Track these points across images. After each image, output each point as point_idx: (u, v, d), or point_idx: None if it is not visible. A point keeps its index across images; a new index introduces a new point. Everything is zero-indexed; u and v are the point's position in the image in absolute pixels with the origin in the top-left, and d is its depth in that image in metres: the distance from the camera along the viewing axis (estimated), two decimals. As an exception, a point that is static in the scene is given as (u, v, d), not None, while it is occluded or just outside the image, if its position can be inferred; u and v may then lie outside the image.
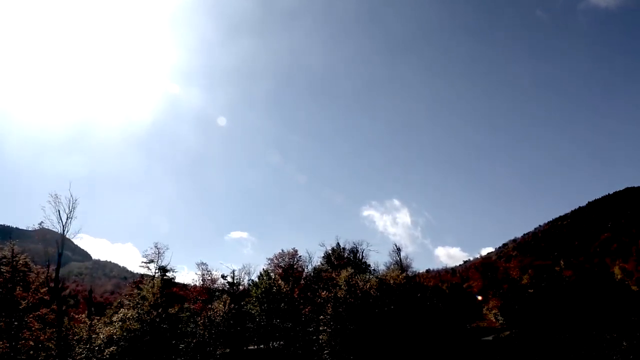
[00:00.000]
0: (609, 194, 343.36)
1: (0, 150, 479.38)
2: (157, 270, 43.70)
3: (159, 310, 34.40)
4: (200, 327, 40.65)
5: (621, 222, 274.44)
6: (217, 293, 45.69)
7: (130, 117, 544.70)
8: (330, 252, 66.12)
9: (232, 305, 44.73)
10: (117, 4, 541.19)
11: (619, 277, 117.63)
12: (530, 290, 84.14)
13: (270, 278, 49.24)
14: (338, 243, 67.06)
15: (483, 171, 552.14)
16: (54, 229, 38.31)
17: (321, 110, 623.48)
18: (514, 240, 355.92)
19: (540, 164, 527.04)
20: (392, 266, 67.35)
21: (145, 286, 38.01)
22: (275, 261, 52.55)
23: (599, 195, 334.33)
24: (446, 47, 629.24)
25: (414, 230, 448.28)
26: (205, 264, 61.29)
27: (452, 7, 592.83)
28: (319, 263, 65.93)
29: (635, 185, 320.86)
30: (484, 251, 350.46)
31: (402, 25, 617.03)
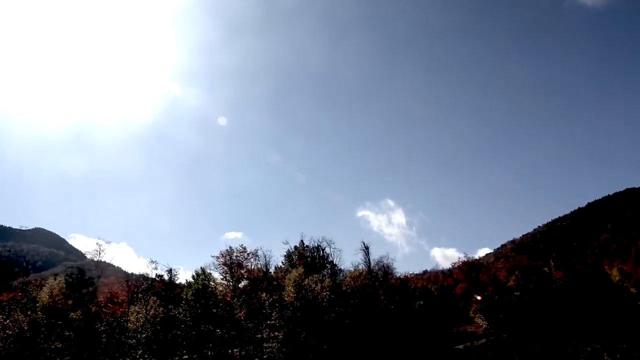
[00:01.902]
0: (608, 194, 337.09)
1: (0, 150, 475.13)
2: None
3: (36, 315, 28.70)
4: (104, 335, 34.80)
5: (621, 223, 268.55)
6: (139, 295, 39.82)
7: (130, 117, 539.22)
8: (292, 250, 60.26)
9: (161, 309, 39.11)
10: (118, 4, 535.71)
11: (617, 278, 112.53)
12: (516, 293, 78.50)
13: (206, 278, 43.54)
14: (302, 240, 61.22)
15: (481, 172, 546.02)
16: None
17: (321, 110, 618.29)
18: (513, 242, 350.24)
19: (539, 165, 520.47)
20: (360, 266, 61.38)
21: (45, 288, 32.42)
22: (221, 259, 46.76)
23: (598, 196, 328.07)
24: (444, 47, 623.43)
25: (409, 231, 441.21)
26: (155, 261, 55.88)
27: (449, 7, 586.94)
28: (280, 263, 60.19)
29: (636, 186, 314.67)
30: (482, 252, 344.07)
31: (402, 25, 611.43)
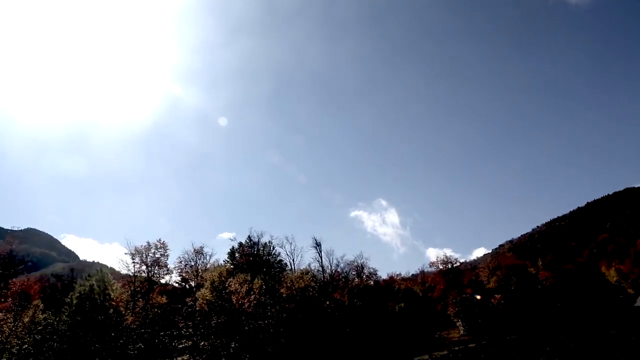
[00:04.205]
0: (608, 194, 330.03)
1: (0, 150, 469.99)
2: None
3: None
4: None
5: (620, 223, 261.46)
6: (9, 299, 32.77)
7: (131, 117, 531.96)
8: (237, 247, 53.28)
9: (43, 315, 32.38)
10: (119, 5, 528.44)
11: (614, 279, 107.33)
12: (497, 295, 71.55)
13: (101, 279, 36.57)
14: (249, 236, 54.20)
15: (478, 171, 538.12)
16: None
17: (320, 110, 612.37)
18: (511, 241, 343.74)
19: (538, 164, 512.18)
20: (313, 265, 54.24)
21: None
22: (136, 258, 39.79)
23: (598, 196, 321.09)
24: (441, 46, 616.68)
25: (403, 231, 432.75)
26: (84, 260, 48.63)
27: (446, 7, 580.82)
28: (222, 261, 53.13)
29: (635, 186, 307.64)
30: (480, 252, 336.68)
31: (400, 25, 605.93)
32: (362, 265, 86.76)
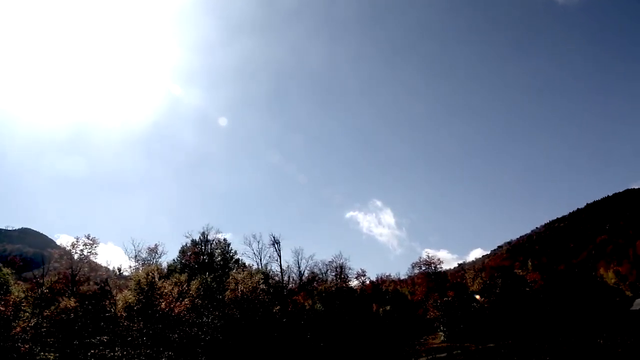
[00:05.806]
0: (608, 195, 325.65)
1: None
2: None
3: None
4: None
5: (619, 225, 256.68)
6: None
7: (131, 117, 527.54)
8: (189, 245, 48.71)
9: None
10: (119, 4, 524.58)
11: (612, 281, 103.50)
12: (480, 298, 66.96)
13: (3, 277, 32.03)
14: (203, 233, 49.55)
15: (477, 172, 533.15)
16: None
17: (321, 110, 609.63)
18: (509, 243, 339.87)
19: (537, 165, 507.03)
20: (271, 265, 49.69)
21: None
22: (64, 256, 35.45)
23: (598, 197, 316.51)
24: (444, 47, 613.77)
25: (399, 232, 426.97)
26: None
27: (447, 7, 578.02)
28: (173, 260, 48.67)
29: (635, 187, 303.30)
30: (477, 253, 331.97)
31: (401, 25, 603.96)
32: (341, 265, 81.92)
